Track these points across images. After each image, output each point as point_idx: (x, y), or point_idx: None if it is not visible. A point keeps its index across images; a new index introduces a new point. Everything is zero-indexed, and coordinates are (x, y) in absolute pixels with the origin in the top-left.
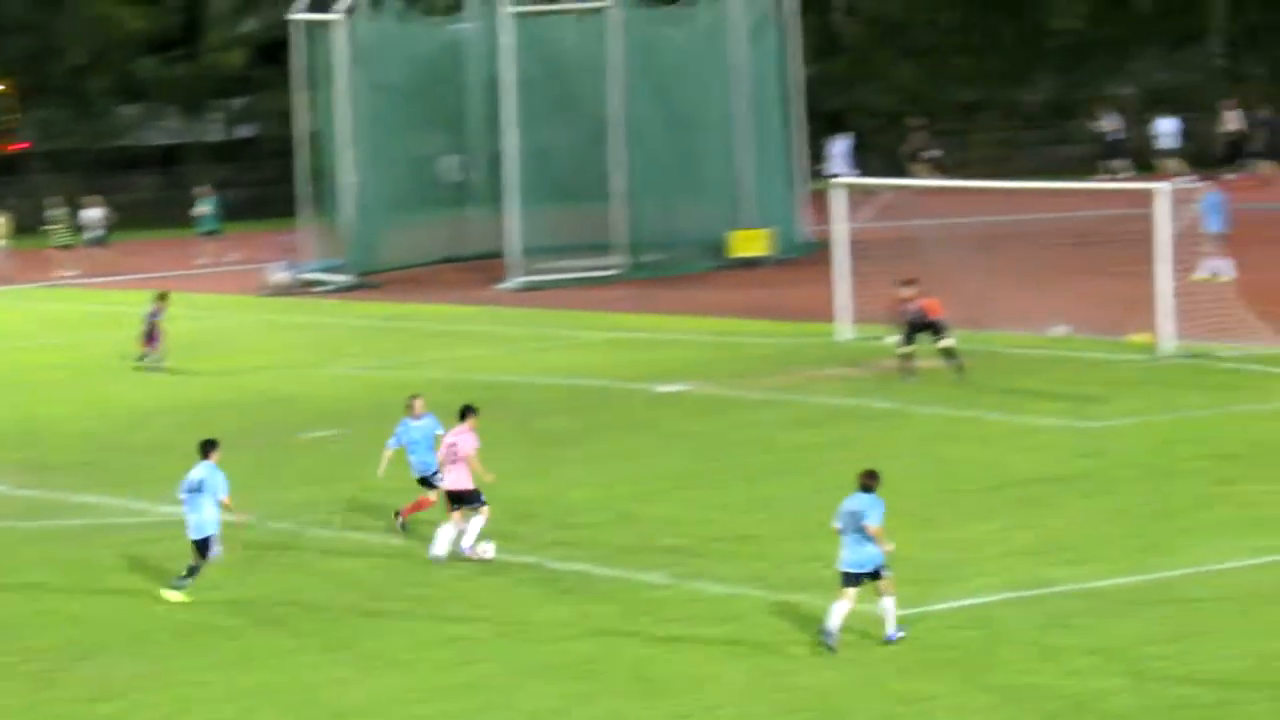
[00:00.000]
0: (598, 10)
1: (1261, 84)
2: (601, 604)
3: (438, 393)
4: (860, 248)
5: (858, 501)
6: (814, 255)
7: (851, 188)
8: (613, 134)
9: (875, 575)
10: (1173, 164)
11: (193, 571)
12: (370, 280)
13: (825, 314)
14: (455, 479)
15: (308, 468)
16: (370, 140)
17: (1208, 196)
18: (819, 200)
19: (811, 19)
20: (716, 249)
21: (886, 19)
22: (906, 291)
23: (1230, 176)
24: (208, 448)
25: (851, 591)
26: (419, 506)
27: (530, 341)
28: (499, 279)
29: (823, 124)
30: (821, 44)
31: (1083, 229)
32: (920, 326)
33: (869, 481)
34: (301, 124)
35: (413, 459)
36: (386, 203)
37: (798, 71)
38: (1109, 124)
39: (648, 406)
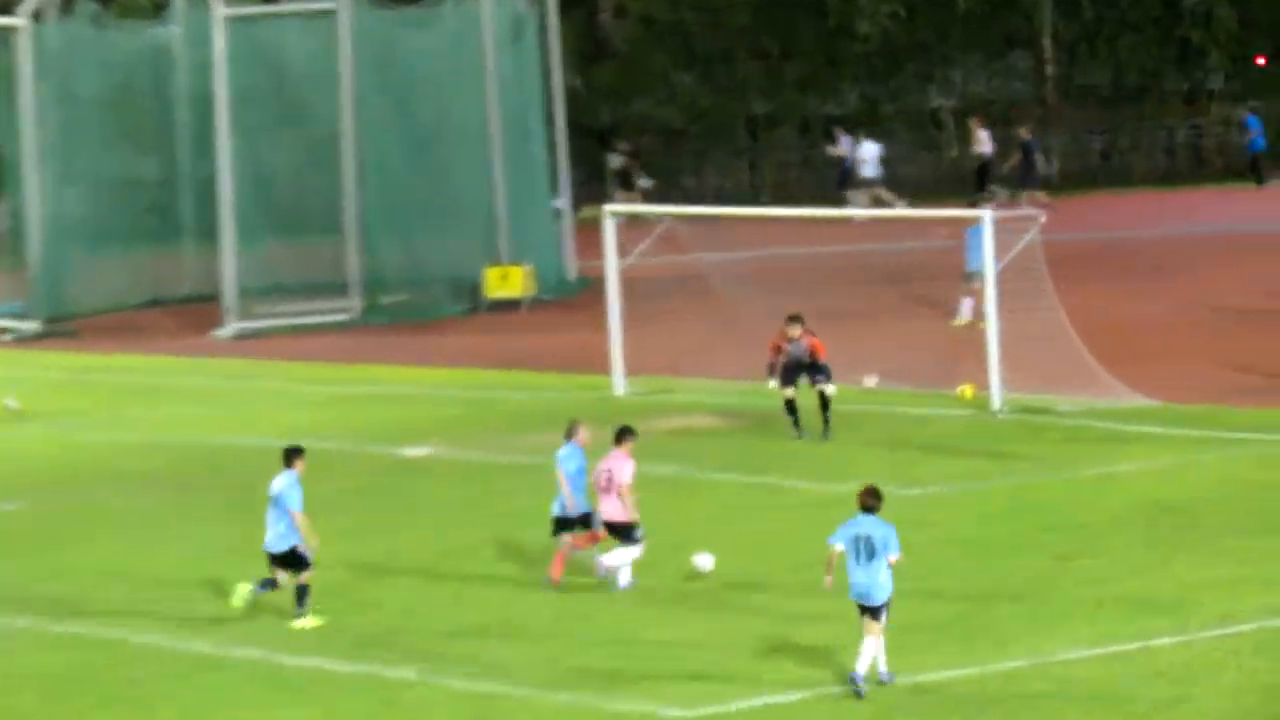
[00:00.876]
0: (326, 12)
1: (1099, 96)
2: (346, 702)
3: (137, 458)
4: (639, 286)
5: (867, 525)
6: (584, 295)
7: (627, 217)
8: (345, 156)
9: (877, 609)
10: (876, 193)
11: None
12: (61, 326)
13: (598, 364)
14: (610, 510)
15: None
16: (60, 161)
17: (971, 229)
18: (589, 231)
19: (575, 20)
20: (469, 289)
21: (661, 20)
22: (793, 329)
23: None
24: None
25: (876, 626)
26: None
27: (250, 397)
28: (214, 325)
29: (591, 142)
30: (588, 48)
31: (901, 262)
32: (801, 368)
33: (871, 501)
34: None
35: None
36: (80, 234)
37: (560, 81)
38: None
39: (389, 473)
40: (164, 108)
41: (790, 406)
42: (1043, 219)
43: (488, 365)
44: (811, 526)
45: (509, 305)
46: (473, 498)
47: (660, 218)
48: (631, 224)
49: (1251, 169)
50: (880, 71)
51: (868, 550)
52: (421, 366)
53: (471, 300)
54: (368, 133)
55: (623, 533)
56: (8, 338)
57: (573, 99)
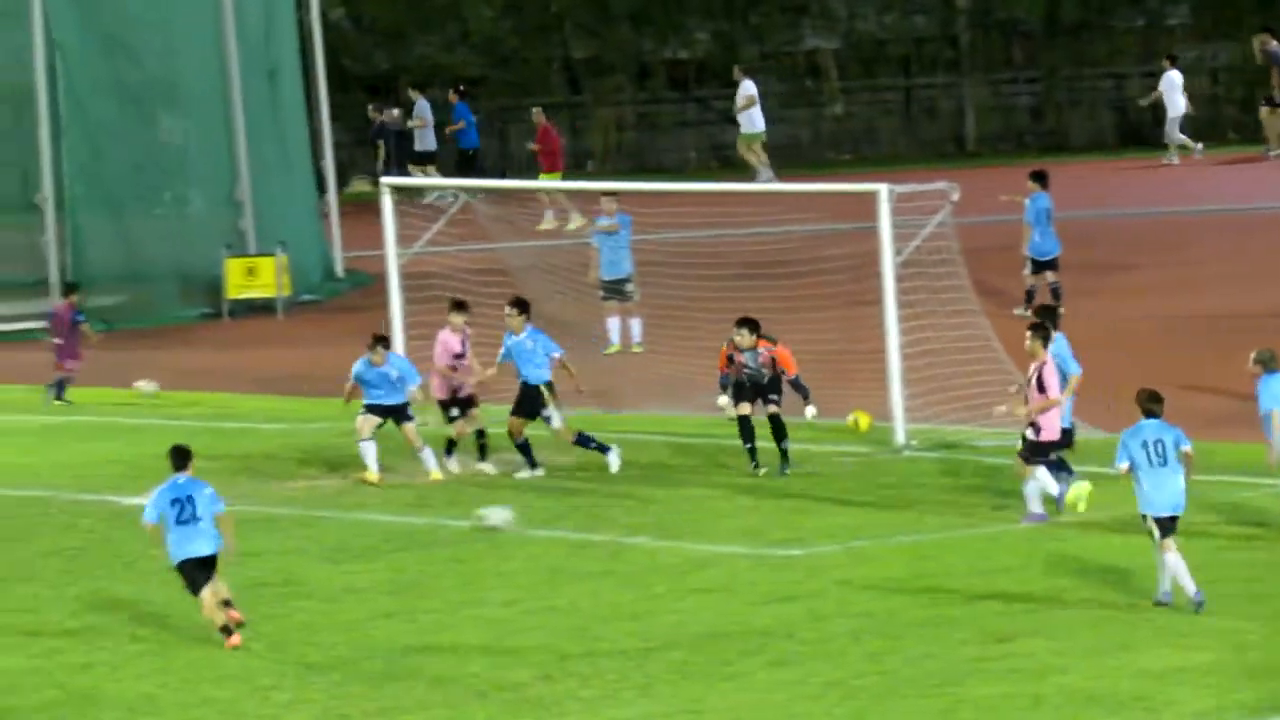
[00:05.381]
0: None
1: (1025, 34)
2: None
3: None
4: (429, 283)
5: (1154, 430)
6: (355, 295)
7: (403, 192)
8: (37, 114)
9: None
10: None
11: None
12: None
13: None
14: None
15: None
16: None
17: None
18: (363, 213)
19: None
20: (205, 288)
21: None
22: (745, 336)
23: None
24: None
25: (1171, 542)
26: None
27: None
28: None
29: (361, 96)
30: None
31: (764, 251)
32: (763, 387)
33: (1154, 406)
34: None
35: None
36: None
37: (318, 16)
38: None
39: (107, 527)
40: None
41: (745, 425)
42: (955, 195)
43: (229, 388)
44: (656, 596)
45: (259, 308)
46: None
47: (454, 193)
48: (417, 202)
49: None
50: (738, 5)
51: (1160, 456)
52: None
53: (209, 302)
54: (69, 84)
55: None
56: None
57: (336, 40)
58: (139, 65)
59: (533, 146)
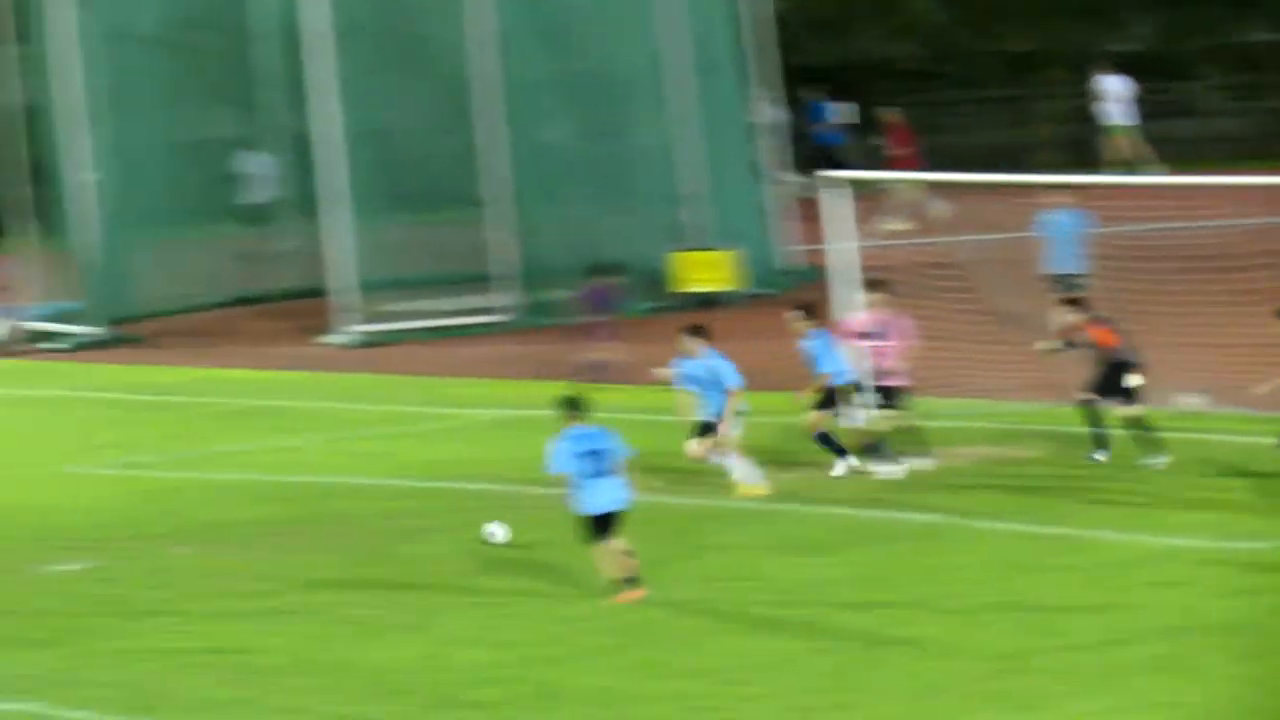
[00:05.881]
0: None
1: None
2: None
3: (232, 506)
4: (878, 276)
5: None
6: (802, 290)
7: (858, 185)
8: (483, 109)
9: None
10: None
11: None
12: (126, 332)
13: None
14: None
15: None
16: (115, 119)
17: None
18: (807, 207)
19: None
20: (653, 282)
21: None
22: (1071, 315)
23: None
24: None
25: None
26: None
27: (373, 424)
28: (321, 329)
29: (804, 88)
30: None
31: (1212, 244)
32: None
33: None
34: (10, 96)
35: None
36: (144, 214)
37: (760, 10)
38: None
39: (565, 520)
40: (246, 46)
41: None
42: None
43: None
44: (1117, 591)
45: (707, 301)
46: (673, 554)
47: (902, 186)
48: (867, 196)
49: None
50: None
51: None
52: (599, 384)
53: (658, 296)
54: (512, 78)
55: None
56: (66, 343)
57: (782, 32)
58: (583, 58)
59: (892, 149)
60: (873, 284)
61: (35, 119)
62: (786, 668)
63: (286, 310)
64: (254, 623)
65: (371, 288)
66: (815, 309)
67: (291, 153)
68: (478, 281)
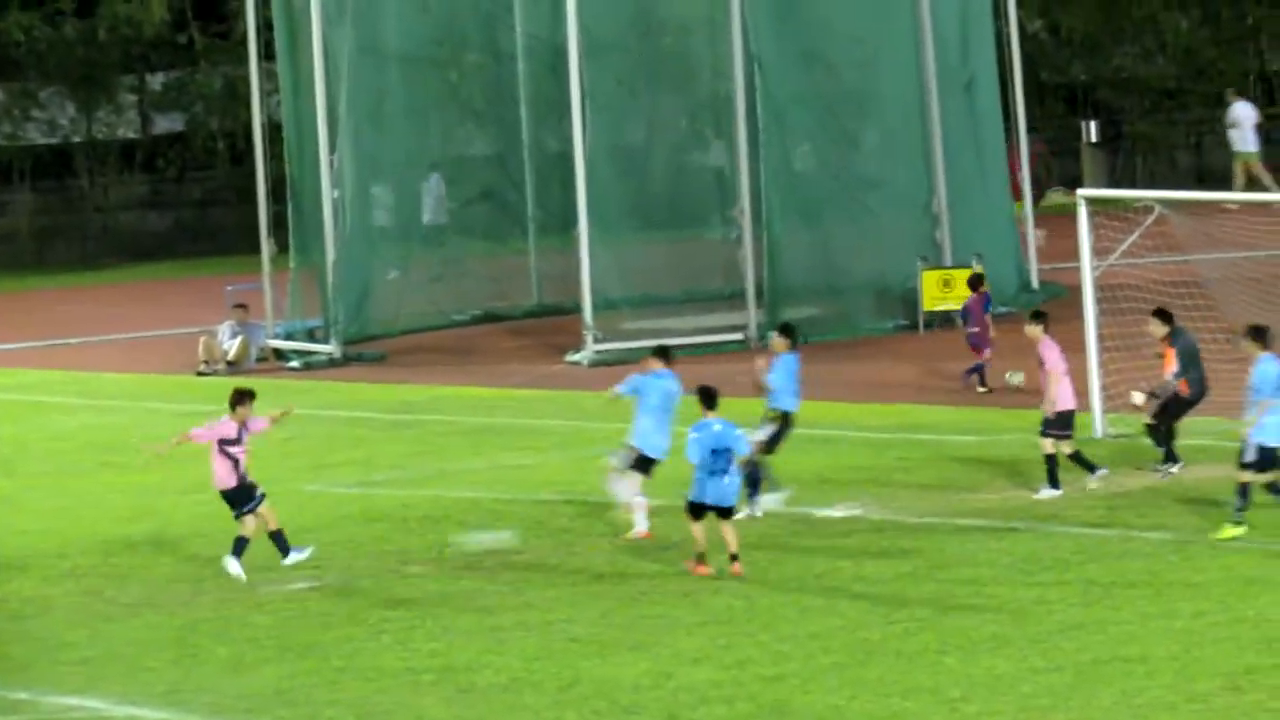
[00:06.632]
0: None
1: None
2: None
3: (480, 519)
4: (1121, 295)
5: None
6: (1051, 306)
7: (1104, 204)
8: (736, 125)
9: None
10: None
11: None
12: (368, 350)
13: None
14: None
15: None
16: (363, 137)
17: None
18: (1055, 224)
19: None
20: (899, 300)
21: None
22: (1160, 329)
23: None
24: None
25: None
26: None
27: (610, 442)
28: (568, 347)
29: (1057, 105)
30: None
31: None
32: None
33: None
34: (256, 113)
35: None
36: (390, 233)
37: (1017, 25)
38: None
39: (794, 537)
40: (498, 63)
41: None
42: None
43: (927, 400)
44: None
45: (953, 320)
46: (904, 575)
47: (1149, 205)
48: (1110, 213)
49: None
50: None
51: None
52: (842, 402)
53: (904, 314)
54: (765, 96)
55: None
56: (296, 364)
57: (1033, 50)
58: (836, 77)
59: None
60: (1036, 315)
61: (282, 137)
62: (1016, 687)
63: (533, 328)
64: (480, 640)
65: (618, 305)
66: (790, 332)
67: (540, 172)
68: (721, 299)
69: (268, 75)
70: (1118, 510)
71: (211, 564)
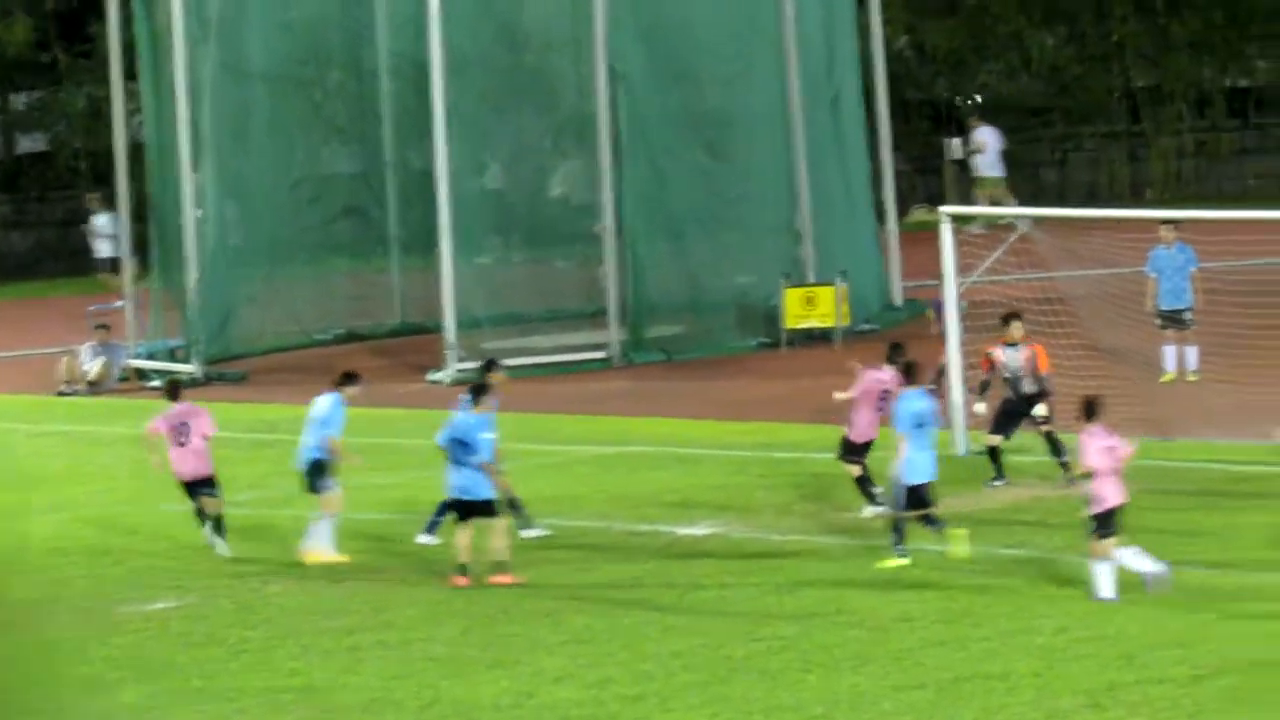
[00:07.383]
0: None
1: None
2: None
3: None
4: (986, 312)
5: None
6: (912, 325)
7: (966, 221)
8: (599, 144)
9: None
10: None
11: None
12: (229, 370)
13: None
14: None
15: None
16: (226, 156)
17: None
18: (916, 241)
19: None
20: (761, 317)
21: None
22: (1015, 330)
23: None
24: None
25: None
26: None
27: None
28: (430, 366)
29: (921, 122)
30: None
31: None
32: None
33: None
34: (119, 132)
35: None
36: (251, 251)
37: (882, 42)
38: None
39: (660, 558)
40: (361, 81)
41: (993, 455)
42: None
43: (789, 418)
44: None
45: (817, 338)
46: (763, 596)
47: (1013, 221)
48: (977, 231)
49: None
50: None
51: None
52: (704, 420)
53: (766, 331)
54: (629, 113)
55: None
56: (158, 384)
57: (898, 68)
58: (700, 94)
59: None
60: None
61: (145, 156)
62: (877, 703)
63: (394, 348)
64: (340, 659)
65: (481, 323)
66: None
67: (402, 190)
68: (583, 318)
69: (131, 95)
70: (979, 527)
71: (67, 585)
